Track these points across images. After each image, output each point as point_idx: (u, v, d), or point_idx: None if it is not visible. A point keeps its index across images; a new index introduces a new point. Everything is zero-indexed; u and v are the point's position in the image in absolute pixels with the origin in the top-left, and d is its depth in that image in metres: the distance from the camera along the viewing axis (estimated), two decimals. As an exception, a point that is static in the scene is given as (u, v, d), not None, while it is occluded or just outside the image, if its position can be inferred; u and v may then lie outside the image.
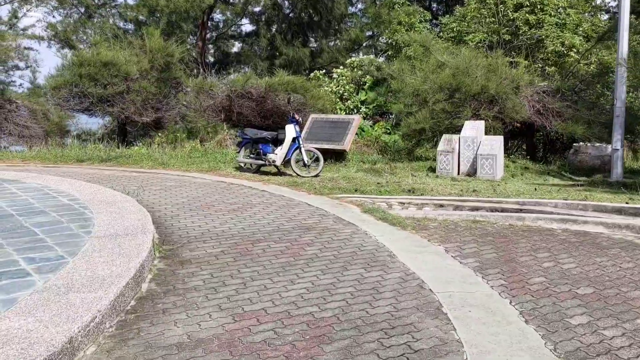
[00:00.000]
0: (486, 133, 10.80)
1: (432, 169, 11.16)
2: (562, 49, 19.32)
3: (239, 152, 10.98)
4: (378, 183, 9.25)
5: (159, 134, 18.76)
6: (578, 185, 9.26)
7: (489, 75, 11.58)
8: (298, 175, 10.03)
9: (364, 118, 21.42)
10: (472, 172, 10.33)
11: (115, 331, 3.36)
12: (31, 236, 4.98)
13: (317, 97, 14.03)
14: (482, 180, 9.80)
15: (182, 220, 6.44)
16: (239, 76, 13.48)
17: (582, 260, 5.03)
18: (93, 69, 13.96)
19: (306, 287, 4.19)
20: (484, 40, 19.78)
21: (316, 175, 10.00)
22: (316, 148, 12.05)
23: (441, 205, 7.77)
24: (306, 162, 10.09)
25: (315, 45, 30.26)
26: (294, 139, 10.17)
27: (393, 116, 20.87)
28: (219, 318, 3.59)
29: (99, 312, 3.27)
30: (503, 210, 7.48)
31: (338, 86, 20.79)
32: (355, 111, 20.92)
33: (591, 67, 16.70)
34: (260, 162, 10.42)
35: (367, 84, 20.87)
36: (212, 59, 32.42)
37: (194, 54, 28.92)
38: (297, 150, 10.13)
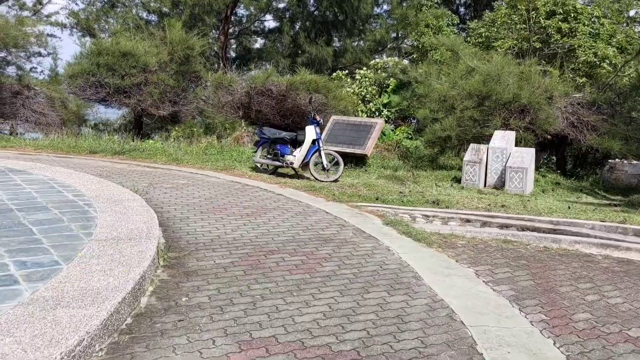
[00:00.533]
0: (516, 144, 10.29)
1: (457, 180, 10.67)
2: (595, 59, 18.69)
3: (255, 151, 10.61)
4: (400, 192, 8.80)
5: (176, 128, 18.55)
6: (614, 206, 8.72)
7: (521, 83, 11.05)
8: (316, 179, 9.62)
9: (386, 121, 21.00)
10: (500, 185, 9.83)
11: (105, 356, 2.97)
12: (27, 235, 4.63)
13: (339, 98, 13.61)
14: (510, 195, 9.30)
15: (191, 224, 6.07)
16: (259, 73, 13.11)
17: (629, 295, 4.54)
18: (111, 58, 13.70)
19: (322, 312, 3.77)
20: (514, 47, 19.21)
21: (335, 180, 9.58)
22: (336, 151, 11.64)
23: (468, 221, 7.30)
24: (325, 165, 9.68)
25: (338, 45, 29.84)
26: (313, 141, 9.76)
27: (415, 121, 20.43)
28: (223, 345, 3.18)
29: (88, 333, 2.89)
30: (535, 229, 6.99)
31: (360, 87, 20.38)
32: (377, 114, 20.51)
33: (624, 80, 16.06)
34: (278, 163, 10.02)
35: (391, 87, 20.44)
36: (233, 54, 32.17)
37: (215, 48, 28.68)
38: (317, 153, 9.73)
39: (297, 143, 10.05)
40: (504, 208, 8.06)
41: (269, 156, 10.33)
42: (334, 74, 21.97)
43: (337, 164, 9.82)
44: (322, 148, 9.71)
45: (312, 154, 9.72)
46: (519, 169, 9.43)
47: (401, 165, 12.97)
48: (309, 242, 5.59)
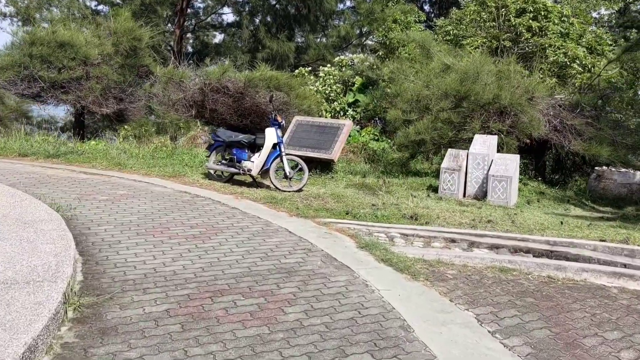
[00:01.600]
0: (497, 150, 9.49)
1: (434, 189, 9.80)
2: (565, 59, 18.24)
3: (208, 156, 9.49)
4: (373, 205, 7.86)
5: (125, 127, 17.19)
6: (607, 219, 8.00)
7: (501, 83, 10.29)
8: (277, 188, 8.58)
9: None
10: (481, 195, 9.01)
11: None
12: None
13: (303, 97, 12.60)
14: (493, 206, 8.48)
15: (122, 252, 4.95)
16: (214, 68, 11.97)
17: (670, 348, 3.69)
18: (47, 49, 12.31)
19: (286, 396, 2.76)
20: (483, 46, 18.58)
21: (299, 190, 8.56)
22: (300, 156, 10.62)
23: (453, 241, 6.40)
24: (288, 173, 8.65)
25: (301, 41, 28.84)
26: (274, 145, 8.73)
27: (380, 122, 19.58)
28: None
29: None
30: (530, 250, 6.16)
31: (324, 86, 19.42)
32: (342, 114, 19.58)
33: (601, 83, 15.64)
34: (234, 170, 8.94)
35: (356, 85, 19.57)
36: (190, 49, 30.78)
37: (171, 42, 27.27)
38: (278, 159, 8.69)
39: (255, 147, 8.99)
40: (491, 224, 7.21)
41: (223, 162, 9.23)
42: (297, 70, 20.98)
43: (301, 170, 8.82)
44: (284, 153, 8.68)
45: (273, 160, 8.68)
46: (502, 177, 8.62)
47: (369, 170, 12.06)
48: (269, 276, 4.56)
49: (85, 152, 11.77)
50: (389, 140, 18.42)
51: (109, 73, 12.76)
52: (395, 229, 6.65)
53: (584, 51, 18.96)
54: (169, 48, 27.13)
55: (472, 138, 10.23)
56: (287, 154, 8.83)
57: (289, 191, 8.50)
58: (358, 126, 19.33)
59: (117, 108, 13.30)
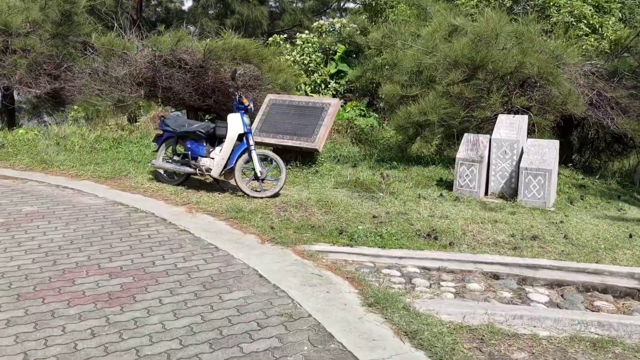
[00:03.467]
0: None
1: (446, 184, 7.95)
2: (572, 19, 16.42)
3: (157, 150, 7.48)
4: (374, 217, 5.97)
5: (75, 108, 15.05)
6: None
7: (524, 47, 8.38)
8: (246, 194, 6.64)
9: (333, 95, 18.17)
10: (509, 193, 7.18)
11: None
12: None
13: (278, 70, 10.55)
14: (527, 209, 6.66)
15: (-28, 347, 3.01)
16: (166, 36, 9.84)
17: None
18: (-47, 16, 10.05)
19: None
20: (479, 4, 16.59)
21: (274, 195, 6.64)
22: (275, 145, 8.66)
23: (496, 276, 4.58)
24: (259, 173, 6.70)
25: (275, 5, 26.50)
26: (240, 137, 6.76)
27: (368, 95, 17.74)
28: None
29: None
30: (607, 289, 4.37)
31: (302, 55, 17.39)
32: (323, 87, 17.64)
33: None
34: (188, 169, 6.96)
35: (338, 54, 17.63)
36: (154, 19, 28.23)
37: (129, 10, 24.74)
38: (246, 154, 6.73)
39: (216, 139, 7.00)
40: (538, 242, 5.38)
41: (175, 159, 7.24)
42: (270, 39, 18.84)
43: (276, 168, 6.87)
44: (252, 147, 6.71)
45: (239, 156, 6.72)
46: (538, 171, 6.78)
47: (360, 156, 10.16)
48: (220, 394, 2.67)
49: (8, 144, 9.66)
50: (377, 116, 16.56)
51: (36, 45, 10.54)
52: (412, 259, 4.79)
53: (591, 9, 17.16)
54: (128, 17, 24.62)
55: (489, 118, 8.36)
56: (257, 149, 6.86)
57: (261, 197, 6.57)
58: (342, 100, 17.42)
59: (52, 88, 11.12)
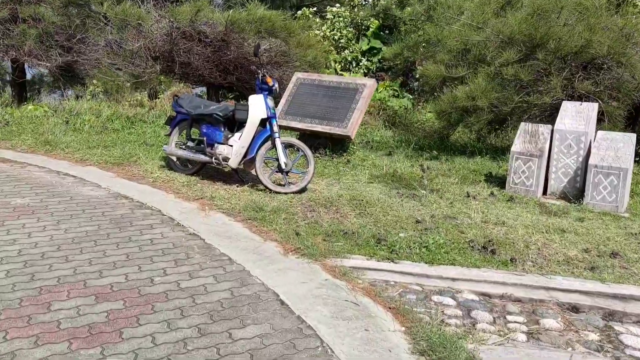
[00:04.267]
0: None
1: (496, 180, 7.03)
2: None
3: (169, 134, 6.69)
4: (417, 222, 5.10)
5: (94, 82, 14.42)
6: None
7: (591, 22, 7.31)
8: (268, 188, 5.82)
9: (364, 74, 17.20)
10: (573, 193, 6.23)
11: None
12: None
13: (306, 45, 9.65)
14: (596, 214, 5.72)
15: None
16: (184, 6, 8.98)
17: None
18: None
19: None
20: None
21: (301, 191, 5.81)
22: (302, 129, 7.83)
23: (575, 308, 3.70)
24: (283, 165, 5.87)
25: (305, -24, 25.29)
26: (263, 122, 5.92)
27: (404, 75, 16.76)
28: None
29: None
30: None
31: (333, 30, 16.41)
32: (354, 64, 16.69)
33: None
34: (203, 158, 6.17)
35: (371, 29, 16.60)
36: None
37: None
38: (269, 142, 5.90)
39: (236, 123, 6.18)
40: (619, 260, 4.46)
41: (189, 144, 6.45)
42: (299, 12, 17.86)
43: (303, 158, 6.02)
44: (277, 134, 5.86)
45: (261, 144, 5.89)
46: (611, 170, 5.81)
47: (395, 143, 9.27)
48: None
49: (13, 122, 9.01)
50: (411, 97, 15.60)
51: (47, 14, 9.81)
52: (468, 282, 3.93)
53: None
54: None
55: (549, 105, 7.36)
56: (281, 137, 6.02)
57: (286, 193, 5.74)
58: (373, 79, 16.48)
59: (64, 61, 10.42)
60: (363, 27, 16.79)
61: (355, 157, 7.82)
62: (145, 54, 9.28)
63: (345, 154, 7.73)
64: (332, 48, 16.07)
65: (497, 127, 9.01)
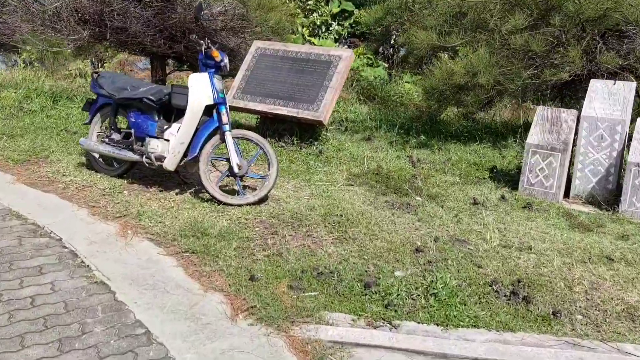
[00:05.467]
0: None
1: (503, 175, 5.78)
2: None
3: (89, 122, 5.22)
4: (417, 249, 3.80)
5: (27, 49, 12.66)
6: None
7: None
8: (216, 199, 4.43)
9: (335, 40, 15.78)
10: (604, 197, 5.03)
11: None
12: None
13: (269, 7, 8.13)
14: (638, 225, 4.52)
15: None
16: (117, -45, 7.36)
17: None
18: None
19: None
20: None
21: (259, 201, 4.45)
22: (263, 113, 6.44)
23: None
24: (236, 168, 4.48)
25: None
26: (209, 109, 4.50)
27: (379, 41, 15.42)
28: None
29: None
30: None
31: (299, -11, 14.90)
32: (324, 29, 15.29)
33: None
34: (132, 155, 4.75)
35: (342, -11, 15.18)
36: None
37: None
38: (217, 137, 4.49)
39: (173, 111, 4.75)
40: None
41: (114, 137, 5.00)
42: (262, -32, 16.15)
43: (264, 156, 4.64)
44: (227, 125, 4.45)
45: (206, 139, 4.49)
46: (657, 170, 4.61)
47: (372, 122, 7.99)
48: None
49: None
50: (386, 65, 14.30)
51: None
52: (506, 364, 2.67)
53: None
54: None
55: (566, 81, 6.11)
56: (233, 131, 4.61)
57: (239, 204, 4.37)
58: (345, 46, 15.06)
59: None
60: (333, -13, 15.39)
61: (329, 146, 6.47)
62: (67, 15, 7.65)
63: (316, 143, 6.37)
64: (299, 11, 14.58)
65: (486, 103, 7.76)
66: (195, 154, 4.45)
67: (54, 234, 3.78)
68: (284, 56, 6.62)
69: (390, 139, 7.21)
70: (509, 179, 5.61)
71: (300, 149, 6.25)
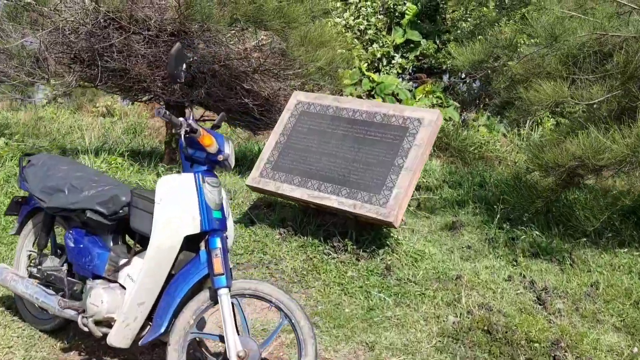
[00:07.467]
0: None
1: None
2: None
3: (17, 232, 3.26)
4: None
5: (52, 84, 11.29)
6: None
7: None
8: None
9: (398, 74, 13.82)
10: None
11: None
12: None
13: (318, 42, 6.05)
14: None
15: None
16: (113, -27, 5.54)
17: None
18: None
19: None
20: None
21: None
22: (302, 201, 4.38)
23: None
24: (235, 358, 2.35)
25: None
26: (194, 240, 2.42)
27: (447, 76, 13.55)
28: None
29: None
30: None
31: (358, 17, 13.01)
32: (385, 62, 13.42)
33: None
34: (61, 310, 2.71)
35: (407, 17, 13.49)
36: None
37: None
38: (204, 293, 2.41)
39: (132, 231, 2.71)
40: None
41: (46, 265, 3.00)
42: (312, -7, 14.36)
43: (292, 331, 2.50)
44: (223, 278, 2.37)
45: (183, 299, 2.41)
46: None
47: (452, 189, 5.82)
48: None
49: None
50: (457, 105, 12.23)
51: None
52: None
53: None
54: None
55: None
56: (236, 280, 2.54)
57: None
58: (410, 82, 13.03)
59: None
60: (397, 14, 13.50)
61: (400, 254, 4.29)
62: (57, 51, 5.88)
63: (381, 252, 4.21)
64: (355, 41, 12.68)
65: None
66: (162, 330, 2.39)
67: None
68: (335, 115, 4.55)
69: (484, 228, 5.04)
70: None
71: (357, 259, 4.12)
